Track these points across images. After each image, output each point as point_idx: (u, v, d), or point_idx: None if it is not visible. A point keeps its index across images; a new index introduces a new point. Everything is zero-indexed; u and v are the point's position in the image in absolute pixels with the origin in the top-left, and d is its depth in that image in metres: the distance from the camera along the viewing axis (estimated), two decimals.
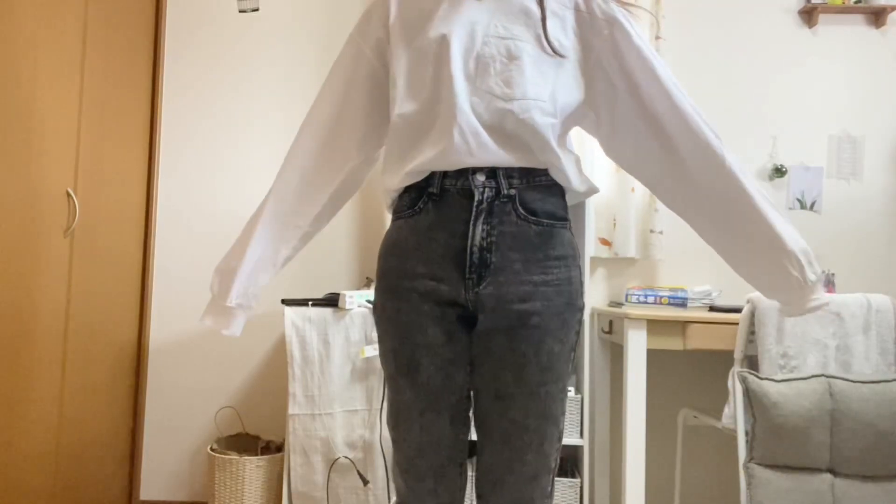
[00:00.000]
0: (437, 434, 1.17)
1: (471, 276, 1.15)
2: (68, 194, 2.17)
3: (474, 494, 1.25)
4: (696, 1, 2.85)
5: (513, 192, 1.16)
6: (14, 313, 1.93)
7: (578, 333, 1.22)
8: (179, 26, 2.87)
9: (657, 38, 2.75)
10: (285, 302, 2.34)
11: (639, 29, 1.21)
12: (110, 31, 2.43)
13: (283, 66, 2.87)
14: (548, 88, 1.16)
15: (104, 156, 2.42)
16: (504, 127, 1.15)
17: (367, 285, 2.72)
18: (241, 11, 2.86)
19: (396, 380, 1.19)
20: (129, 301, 2.68)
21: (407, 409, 1.18)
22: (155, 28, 2.83)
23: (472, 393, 1.21)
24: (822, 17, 2.82)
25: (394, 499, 2.28)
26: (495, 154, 1.15)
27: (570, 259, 1.20)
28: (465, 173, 1.16)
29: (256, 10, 2.86)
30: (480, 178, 1.16)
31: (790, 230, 1.19)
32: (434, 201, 1.18)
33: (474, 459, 1.25)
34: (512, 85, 1.15)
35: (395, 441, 1.21)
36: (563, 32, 1.20)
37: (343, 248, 2.83)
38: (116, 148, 2.52)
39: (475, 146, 1.14)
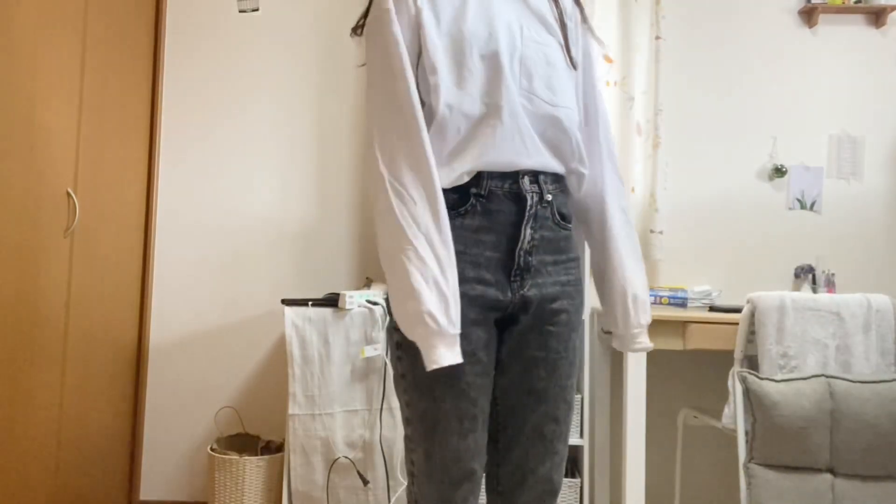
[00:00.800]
0: (473, 440, 1.17)
1: (515, 278, 1.17)
2: (68, 194, 2.17)
3: (487, 494, 1.26)
4: (695, 1, 2.85)
5: (550, 197, 1.19)
6: (14, 313, 1.93)
7: None
8: (179, 26, 2.87)
9: (657, 38, 2.75)
10: (285, 302, 2.35)
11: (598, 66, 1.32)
12: (110, 31, 2.43)
13: (284, 66, 2.87)
14: (573, 98, 1.23)
15: (104, 156, 2.42)
16: (546, 131, 1.17)
17: (367, 285, 2.72)
18: (241, 11, 2.86)
19: (434, 389, 1.14)
20: (129, 301, 2.68)
21: (446, 418, 1.15)
22: (155, 28, 2.83)
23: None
24: (822, 17, 2.82)
25: (394, 498, 2.28)
26: (545, 159, 1.18)
27: (580, 261, 1.27)
28: (513, 176, 1.16)
29: (256, 10, 2.86)
30: (527, 181, 1.16)
31: (641, 275, 1.30)
32: (481, 203, 1.15)
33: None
34: (556, 91, 1.18)
35: (427, 450, 1.16)
36: (574, 45, 1.25)
37: (343, 248, 2.83)
38: (116, 148, 2.52)
39: (532, 149, 1.16)
